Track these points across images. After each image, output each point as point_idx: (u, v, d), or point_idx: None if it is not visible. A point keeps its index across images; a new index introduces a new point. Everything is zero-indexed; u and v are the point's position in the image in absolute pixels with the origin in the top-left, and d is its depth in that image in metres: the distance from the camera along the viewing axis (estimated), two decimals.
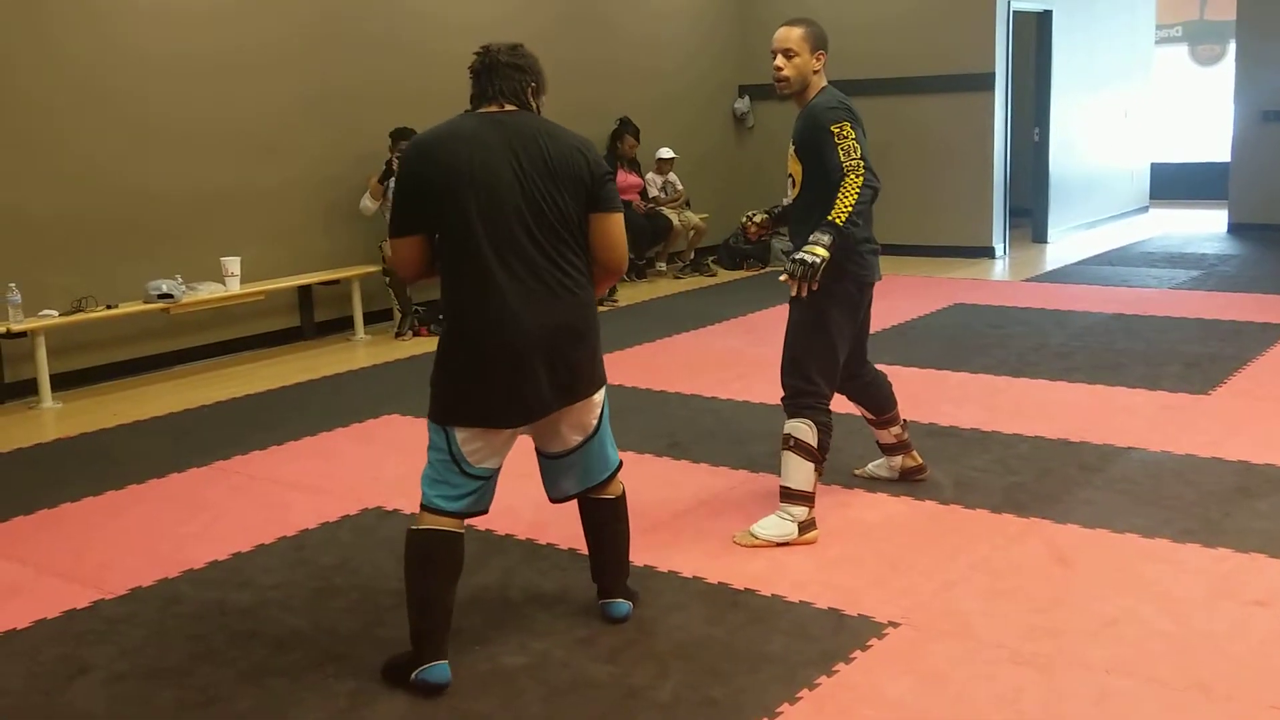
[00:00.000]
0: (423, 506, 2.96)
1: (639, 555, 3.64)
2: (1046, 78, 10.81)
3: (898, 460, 4.27)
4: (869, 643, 3.07)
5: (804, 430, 3.71)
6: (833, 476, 4.26)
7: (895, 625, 3.16)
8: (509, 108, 2.96)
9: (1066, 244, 11.00)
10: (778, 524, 3.74)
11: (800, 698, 2.80)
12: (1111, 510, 3.97)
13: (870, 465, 4.37)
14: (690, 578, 3.52)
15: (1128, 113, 12.75)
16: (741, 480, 4.44)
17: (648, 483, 4.45)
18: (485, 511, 3.07)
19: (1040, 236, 11.19)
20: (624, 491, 3.26)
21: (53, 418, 5.88)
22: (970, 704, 2.76)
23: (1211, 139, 13.71)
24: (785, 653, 3.03)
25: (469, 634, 3.19)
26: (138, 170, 6.68)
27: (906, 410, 5.25)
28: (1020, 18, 10.42)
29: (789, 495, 3.74)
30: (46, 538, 4.11)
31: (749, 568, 3.58)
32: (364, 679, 2.96)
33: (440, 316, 3.05)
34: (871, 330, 4.16)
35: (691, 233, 9.88)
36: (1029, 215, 11.27)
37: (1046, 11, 10.67)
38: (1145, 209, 13.59)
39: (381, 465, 4.78)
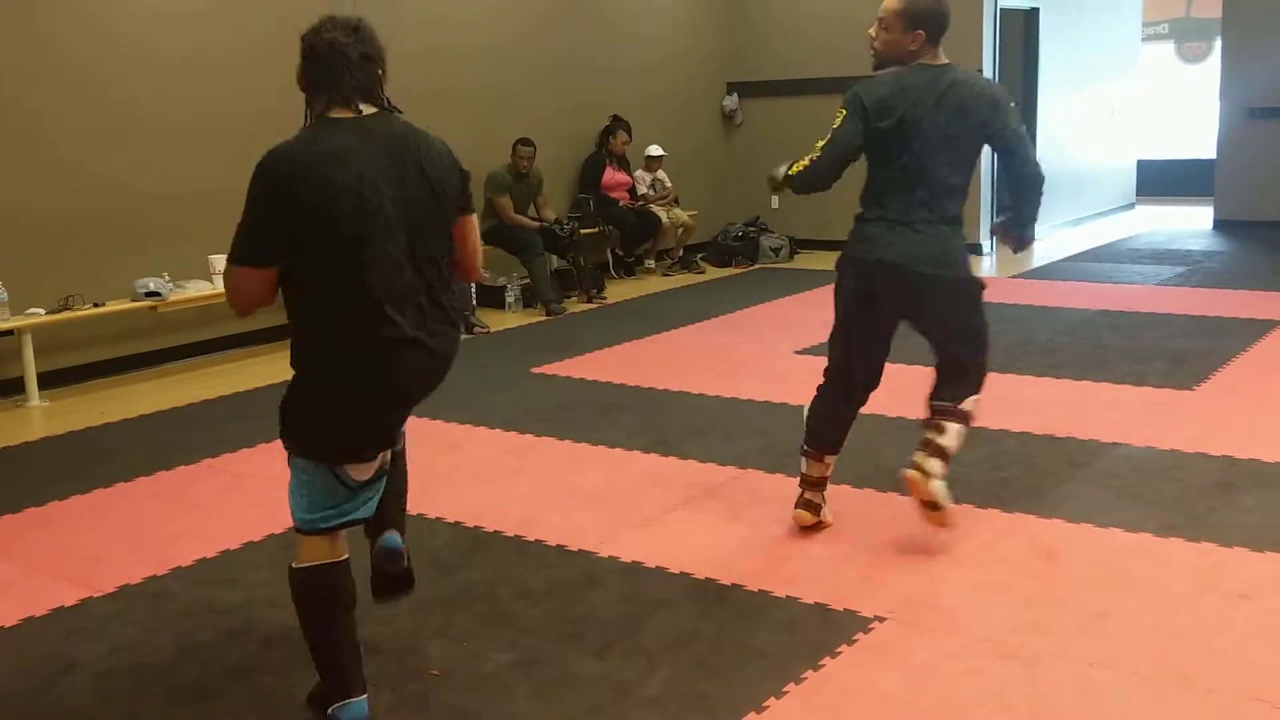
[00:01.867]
0: (302, 533, 2.67)
1: (630, 552, 3.65)
2: (1033, 75, 10.85)
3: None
4: (855, 637, 3.08)
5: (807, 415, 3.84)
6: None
7: (881, 620, 3.18)
8: (367, 110, 2.54)
9: (1053, 241, 11.04)
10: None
11: (787, 692, 2.82)
12: (1096, 505, 3.99)
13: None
14: (678, 573, 3.53)
15: (1114, 110, 12.79)
16: (730, 476, 4.46)
17: (636, 480, 4.46)
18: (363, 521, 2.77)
19: None
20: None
21: (40, 416, 5.87)
22: (956, 698, 2.78)
23: (1197, 136, 13.77)
24: (772, 647, 3.04)
25: (457, 630, 3.21)
26: (125, 168, 6.67)
27: (896, 407, 5.28)
28: (1007, 15, 10.45)
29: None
30: (34, 536, 4.10)
31: (736, 563, 3.60)
32: None
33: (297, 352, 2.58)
34: None
35: (680, 230, 9.89)
36: None
37: (1033, 9, 10.70)
38: (1131, 206, 13.64)
39: None
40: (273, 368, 6.73)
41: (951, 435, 3.67)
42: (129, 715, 2.83)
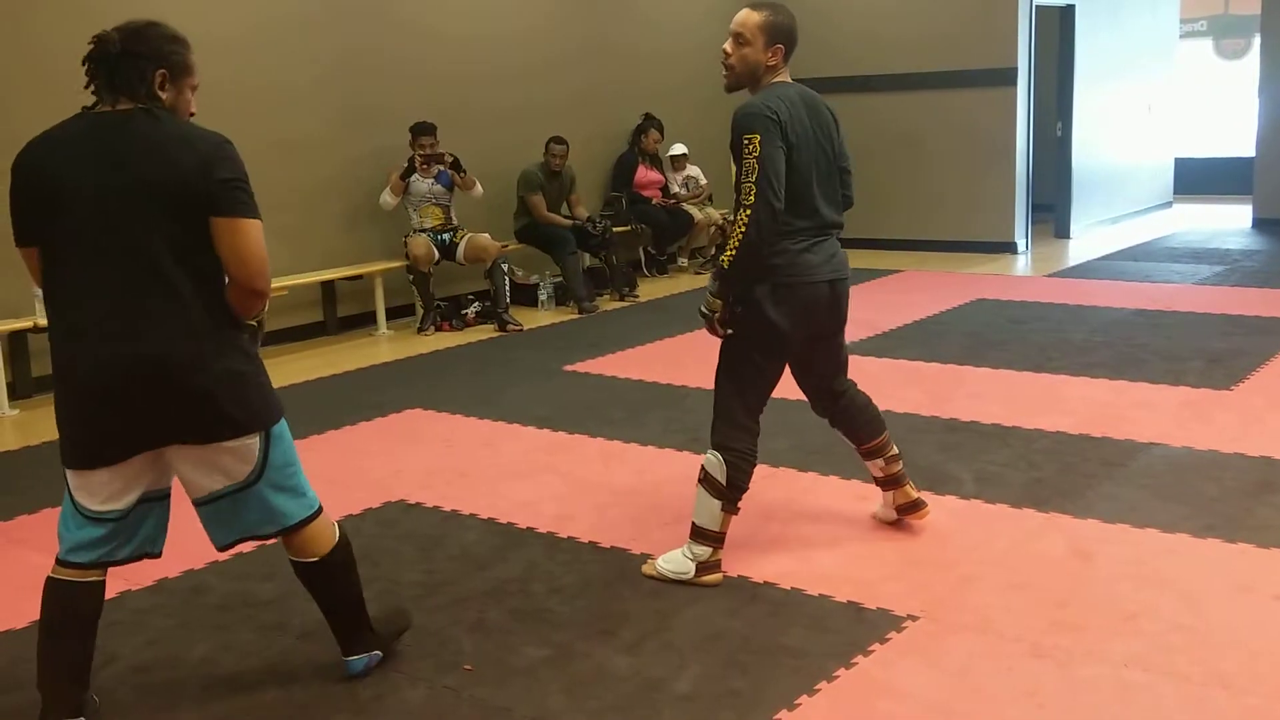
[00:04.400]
0: (57, 558, 2.68)
1: (660, 548, 3.66)
2: (1069, 72, 10.76)
3: (889, 495, 3.80)
4: (888, 636, 3.08)
5: (712, 463, 3.44)
6: (853, 471, 4.27)
7: (914, 619, 3.17)
8: (123, 106, 2.55)
9: (1089, 239, 10.95)
10: (678, 560, 3.49)
11: (819, 690, 2.82)
12: (1132, 505, 3.96)
13: (877, 507, 3.91)
14: None
15: (1151, 107, 12.67)
16: (762, 475, 4.44)
17: (668, 477, 4.47)
18: (151, 555, 2.74)
19: (1063, 232, 11.14)
20: (331, 549, 2.84)
21: None
22: (989, 697, 2.77)
23: (1236, 134, 13.61)
24: (804, 645, 3.04)
25: (491, 626, 3.23)
26: None
27: (928, 406, 5.27)
28: (1043, 12, 10.38)
29: (695, 532, 3.47)
30: None
31: (768, 561, 3.59)
32: (387, 670, 2.99)
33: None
34: (893, 326, 4.15)
35: (713, 228, 9.89)
36: (1051, 211, 11.22)
37: (1069, 5, 10.62)
38: (1169, 204, 13.50)
39: (403, 459, 4.82)
40: (308, 364, 6.79)
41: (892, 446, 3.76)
42: (167, 708, 2.87)
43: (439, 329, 7.73)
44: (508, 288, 7.83)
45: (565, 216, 8.66)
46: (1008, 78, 9.96)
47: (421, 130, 7.66)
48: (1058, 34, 10.81)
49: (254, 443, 2.64)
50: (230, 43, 6.96)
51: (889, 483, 3.76)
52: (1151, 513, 3.88)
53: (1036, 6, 10.12)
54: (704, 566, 3.44)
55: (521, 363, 6.66)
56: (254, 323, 2.70)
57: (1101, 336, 6.64)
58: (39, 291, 2.81)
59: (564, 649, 3.08)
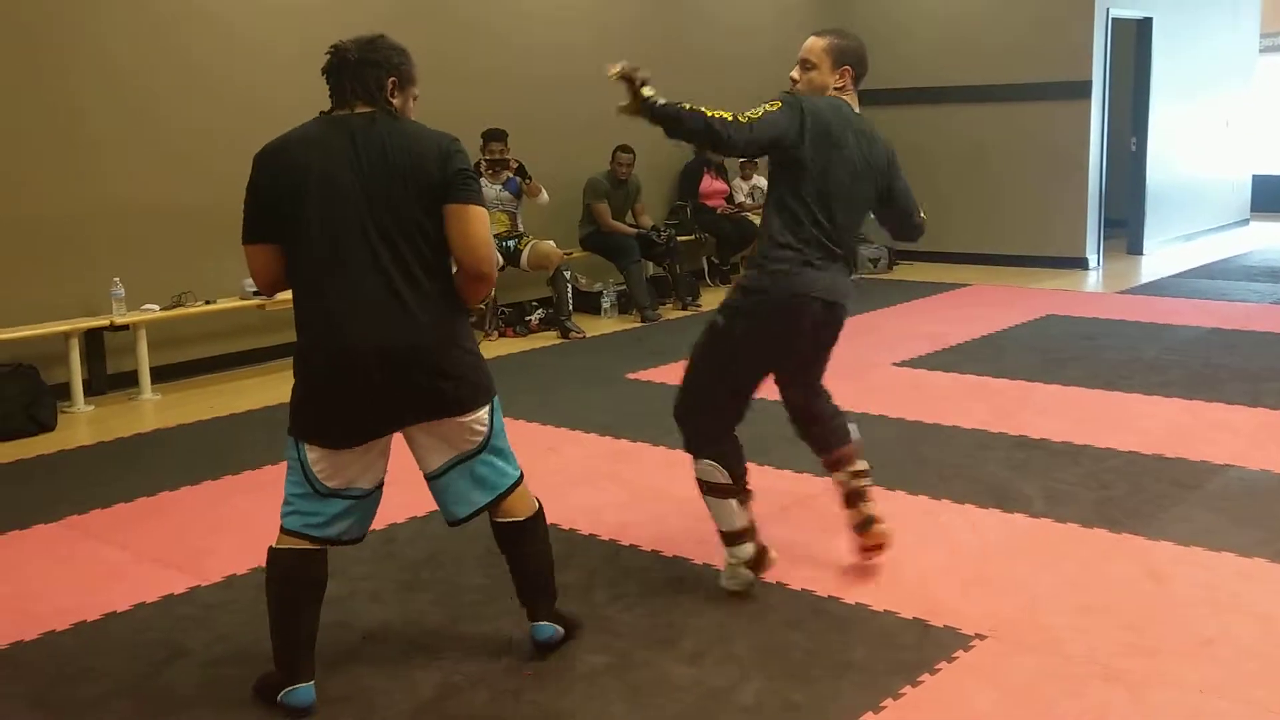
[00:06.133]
0: (282, 529, 2.84)
1: (722, 559, 3.63)
2: (1145, 86, 10.59)
3: (849, 514, 3.58)
4: (955, 654, 3.03)
5: (708, 470, 3.39)
6: (919, 486, 4.22)
7: (982, 638, 3.12)
8: (361, 109, 2.78)
9: (1163, 256, 10.75)
10: (730, 570, 3.46)
11: (884, 707, 2.78)
12: (1207, 528, 3.87)
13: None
14: (773, 583, 3.51)
15: (1229, 122, 12.42)
16: (824, 487, 4.40)
17: None
18: (357, 539, 2.91)
19: (1136, 248, 10.95)
20: (535, 513, 3.03)
21: (152, 409, 6.06)
22: (1058, 719, 2.71)
23: None
24: (869, 661, 3.01)
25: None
26: (239, 168, 6.83)
27: (997, 422, 5.19)
28: (1119, 25, 10.22)
29: (727, 539, 3.42)
30: (146, 525, 4.24)
31: (832, 575, 3.56)
32: (449, 672, 3.00)
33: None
34: (960, 340, 4.10)
35: None
36: (1124, 226, 11.04)
37: (1146, 19, 10.45)
38: (1246, 221, 13.22)
39: None
40: None
41: (861, 461, 3.61)
42: (234, 703, 2.90)
43: (502, 334, 7.77)
44: (570, 295, 7.86)
45: (630, 225, 8.67)
46: (1082, 90, 9.82)
47: (492, 136, 7.72)
48: (1134, 46, 10.63)
49: (484, 414, 2.87)
50: (307, 51, 7.06)
51: (851, 498, 3.58)
52: (1227, 536, 3.79)
53: (1113, 18, 9.96)
54: (754, 562, 3.43)
55: (584, 370, 6.67)
56: (482, 306, 2.89)
57: (1175, 355, 6.51)
58: (249, 284, 2.97)
59: (624, 656, 3.07)
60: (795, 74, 3.41)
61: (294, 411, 2.81)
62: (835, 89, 3.36)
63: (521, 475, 3.02)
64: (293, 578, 2.84)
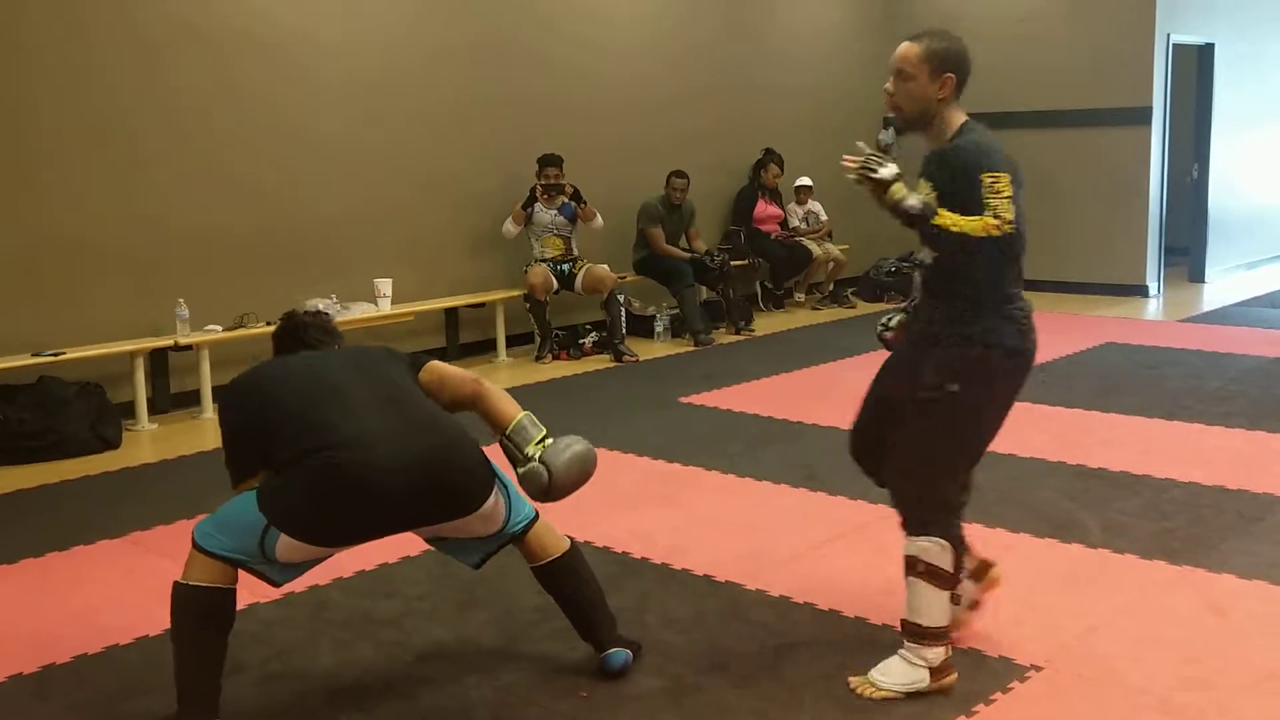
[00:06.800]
0: (204, 551, 2.76)
1: (778, 585, 3.63)
2: (1207, 112, 10.45)
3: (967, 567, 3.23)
4: (1010, 685, 3.00)
5: (933, 551, 2.94)
6: (974, 513, 4.16)
7: (1038, 669, 3.09)
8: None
9: (1225, 284, 10.58)
10: (903, 670, 2.99)
11: None
12: (1271, 562, 3.80)
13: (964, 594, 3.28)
14: (826, 610, 3.50)
15: None
16: (880, 515, 4.38)
17: (785, 514, 4.44)
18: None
19: (1197, 276, 10.79)
20: (568, 549, 3.09)
21: (213, 428, 6.14)
22: None
23: None
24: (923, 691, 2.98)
25: None
26: (299, 193, 6.98)
27: (1055, 451, 5.14)
28: (1180, 50, 10.11)
29: (922, 634, 2.96)
30: None
31: (886, 603, 3.53)
32: (504, 692, 3.02)
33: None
34: None
35: (831, 264, 9.83)
36: (1185, 254, 10.88)
37: (1208, 44, 10.33)
38: None
39: None
40: None
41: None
42: (288, 718, 2.94)
43: (556, 358, 7.82)
44: (624, 319, 7.90)
45: (683, 249, 8.70)
46: (1143, 116, 9.71)
47: (548, 161, 7.80)
48: (1195, 72, 10.51)
49: (496, 494, 2.96)
50: (379, 81, 7.20)
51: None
52: None
53: (1174, 44, 9.86)
54: (938, 670, 2.96)
55: (637, 393, 6.69)
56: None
57: (1238, 385, 6.40)
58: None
59: (678, 680, 3.07)
60: (889, 86, 3.04)
61: (283, 511, 2.73)
62: (940, 99, 3.00)
63: (537, 514, 3.08)
64: (213, 614, 2.76)
